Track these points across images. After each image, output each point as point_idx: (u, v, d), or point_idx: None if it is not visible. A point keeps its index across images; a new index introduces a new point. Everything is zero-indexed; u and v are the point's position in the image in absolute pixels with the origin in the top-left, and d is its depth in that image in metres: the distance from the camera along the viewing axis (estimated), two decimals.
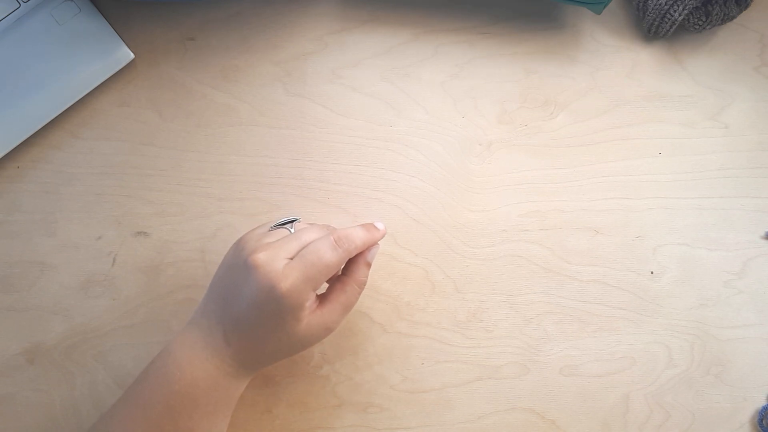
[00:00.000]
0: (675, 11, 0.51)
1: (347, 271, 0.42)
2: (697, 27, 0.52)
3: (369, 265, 0.43)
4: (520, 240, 0.51)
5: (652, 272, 0.51)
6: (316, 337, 0.41)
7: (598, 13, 0.52)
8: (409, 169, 0.52)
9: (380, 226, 0.44)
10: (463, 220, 0.51)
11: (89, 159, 0.50)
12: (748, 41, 0.55)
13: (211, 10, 0.53)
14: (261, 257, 0.38)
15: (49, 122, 0.49)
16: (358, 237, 0.41)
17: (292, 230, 0.42)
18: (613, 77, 0.54)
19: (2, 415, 0.47)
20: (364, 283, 0.42)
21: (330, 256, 0.39)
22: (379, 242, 0.43)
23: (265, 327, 0.39)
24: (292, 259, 0.39)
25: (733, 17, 0.53)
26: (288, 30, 0.53)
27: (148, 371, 0.40)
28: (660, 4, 0.51)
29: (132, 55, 0.51)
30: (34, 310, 0.49)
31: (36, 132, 0.49)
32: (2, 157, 0.49)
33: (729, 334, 0.50)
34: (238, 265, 0.40)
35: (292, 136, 0.52)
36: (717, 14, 0.52)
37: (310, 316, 0.40)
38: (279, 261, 0.38)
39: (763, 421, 0.49)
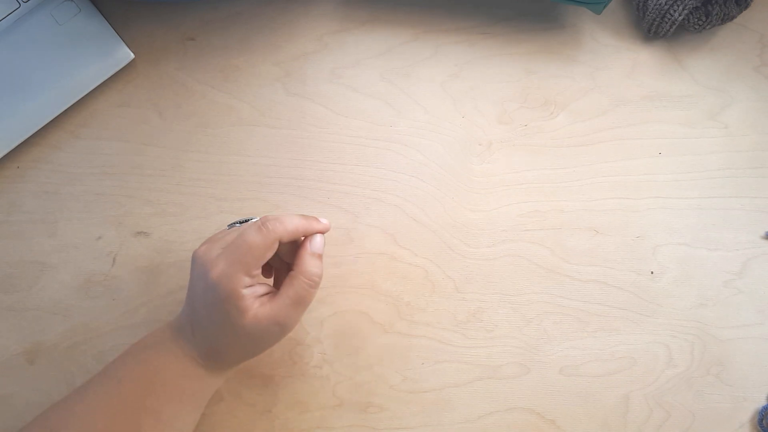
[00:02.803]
0: (675, 11, 0.51)
1: (295, 264, 0.42)
2: (697, 27, 0.52)
3: (317, 256, 0.42)
4: (520, 240, 0.51)
5: (652, 272, 0.51)
6: (268, 333, 0.40)
7: (598, 13, 0.52)
8: (409, 169, 0.52)
9: (324, 221, 0.44)
10: (463, 220, 0.51)
11: (89, 159, 0.50)
12: (748, 41, 0.55)
13: (211, 10, 0.53)
14: (200, 250, 0.41)
15: (49, 122, 0.49)
16: (289, 221, 0.40)
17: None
18: (613, 77, 0.54)
19: (2, 415, 0.47)
20: (316, 276, 0.41)
21: (253, 237, 0.39)
22: (322, 234, 0.43)
23: (212, 319, 0.39)
24: None
25: (733, 17, 0.53)
26: (288, 30, 0.53)
27: (129, 350, 0.42)
28: (660, 4, 0.51)
29: (132, 55, 0.51)
30: (34, 310, 0.49)
31: (36, 132, 0.49)
32: (2, 157, 0.49)
33: (729, 333, 0.50)
34: (192, 262, 0.42)
35: (292, 136, 0.52)
36: (717, 14, 0.52)
37: (258, 309, 0.39)
38: (214, 251, 0.40)
39: (763, 421, 0.49)
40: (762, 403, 0.49)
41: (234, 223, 0.44)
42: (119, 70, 0.51)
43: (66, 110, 0.50)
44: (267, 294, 0.40)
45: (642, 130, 0.53)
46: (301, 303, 0.41)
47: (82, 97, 0.50)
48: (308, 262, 0.41)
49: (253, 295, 0.39)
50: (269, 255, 0.40)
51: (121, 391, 0.39)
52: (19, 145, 0.49)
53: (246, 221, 0.43)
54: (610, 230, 0.52)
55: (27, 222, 0.50)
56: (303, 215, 0.42)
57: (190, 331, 0.41)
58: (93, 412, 0.39)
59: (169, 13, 0.53)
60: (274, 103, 0.52)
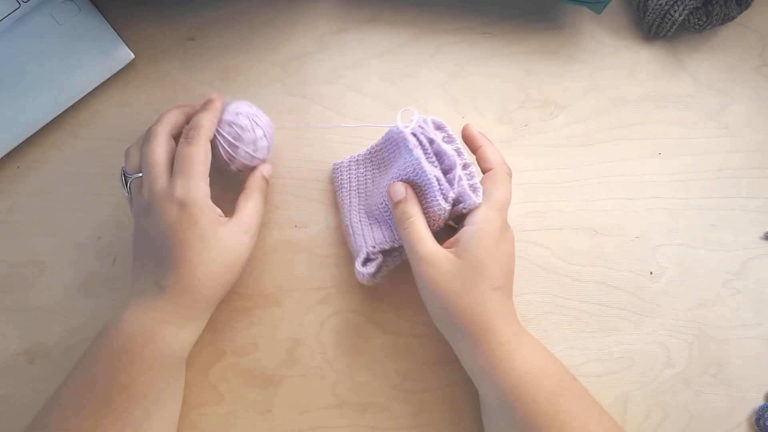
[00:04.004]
0: (675, 11, 0.51)
1: (246, 182, 0.47)
2: (697, 27, 0.52)
3: (264, 178, 0.47)
4: (520, 240, 0.51)
5: (651, 272, 0.51)
6: (239, 243, 0.43)
7: (599, 12, 0.52)
8: None
9: (214, 95, 0.46)
10: None
11: (89, 159, 0.50)
12: (748, 41, 0.55)
13: (211, 10, 0.53)
14: (144, 192, 0.42)
15: (49, 122, 0.49)
16: (204, 119, 0.43)
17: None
18: (613, 77, 0.54)
19: (2, 415, 0.47)
20: (263, 188, 0.47)
21: (186, 149, 0.42)
22: (267, 164, 0.48)
23: (184, 243, 0.41)
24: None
25: (734, 17, 0.53)
26: (288, 30, 0.53)
27: (95, 337, 0.42)
28: (660, 4, 0.51)
29: (132, 55, 0.50)
30: (34, 310, 0.49)
31: (36, 132, 0.49)
32: (2, 157, 0.49)
33: (727, 334, 0.51)
34: (139, 214, 0.43)
35: (292, 136, 0.52)
36: (717, 14, 0.52)
37: (226, 226, 0.43)
38: (159, 183, 0.42)
39: (761, 421, 0.49)
40: (759, 402, 0.50)
41: (127, 176, 0.44)
42: (119, 70, 0.51)
43: (66, 110, 0.50)
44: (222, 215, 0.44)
45: (642, 130, 0.53)
46: (256, 209, 0.45)
47: (82, 97, 0.50)
48: (258, 179, 0.47)
49: (215, 210, 0.42)
50: (209, 158, 0.43)
51: (87, 376, 0.40)
52: (19, 145, 0.49)
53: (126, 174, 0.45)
54: (609, 230, 0.52)
55: (27, 222, 0.50)
56: (204, 106, 0.45)
57: (155, 287, 0.41)
58: (64, 404, 0.40)
59: (169, 13, 0.52)
60: (274, 103, 0.52)
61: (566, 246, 0.51)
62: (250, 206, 0.45)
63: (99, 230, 0.50)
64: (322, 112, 0.52)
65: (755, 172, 0.53)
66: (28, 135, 0.49)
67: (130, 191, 0.44)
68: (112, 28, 0.50)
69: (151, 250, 0.42)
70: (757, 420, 0.49)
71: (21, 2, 0.49)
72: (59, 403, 0.40)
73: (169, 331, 0.41)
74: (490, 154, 0.45)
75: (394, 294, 0.50)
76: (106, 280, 0.49)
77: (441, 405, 0.48)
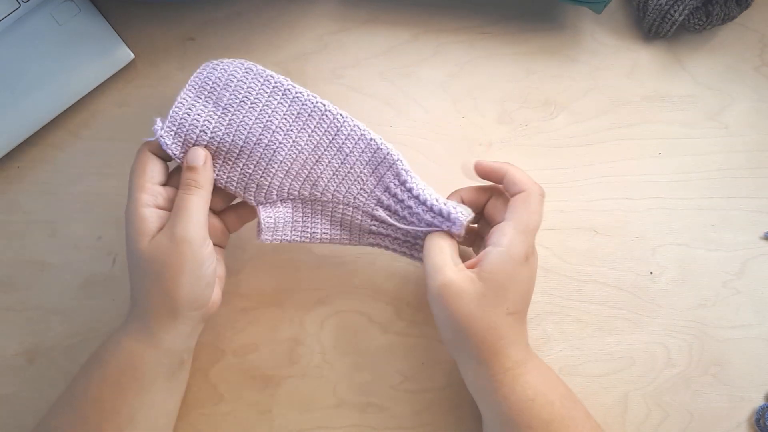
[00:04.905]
0: (675, 11, 0.51)
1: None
2: (697, 27, 0.52)
3: (188, 167, 0.42)
4: None
5: (651, 272, 0.51)
6: (170, 252, 0.39)
7: (599, 12, 0.52)
8: None
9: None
10: None
11: (89, 159, 0.50)
12: (748, 41, 0.55)
13: (211, 10, 0.53)
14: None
15: (49, 122, 0.49)
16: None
17: None
18: (613, 77, 0.54)
19: (2, 415, 0.47)
20: (193, 181, 0.41)
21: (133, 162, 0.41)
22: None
23: (129, 262, 0.40)
24: None
25: (734, 17, 0.53)
26: (288, 30, 0.53)
27: (86, 362, 0.42)
28: (660, 4, 0.51)
29: (132, 55, 0.50)
30: (34, 310, 0.49)
31: (36, 132, 0.49)
32: (2, 157, 0.49)
33: (727, 334, 0.51)
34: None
35: None
36: (717, 14, 0.52)
37: (162, 232, 0.39)
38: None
39: (761, 421, 0.49)
40: (759, 402, 0.50)
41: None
42: (119, 70, 0.51)
43: (66, 110, 0.50)
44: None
45: (642, 130, 0.53)
46: (183, 209, 0.40)
47: (82, 97, 0.50)
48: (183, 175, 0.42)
49: (153, 216, 0.40)
50: (150, 165, 0.41)
51: (79, 405, 0.40)
52: (19, 145, 0.49)
53: None
54: (609, 230, 0.52)
55: (27, 222, 0.50)
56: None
57: (132, 305, 0.41)
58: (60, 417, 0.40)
59: (169, 13, 0.52)
60: None
61: (566, 246, 0.51)
62: (177, 205, 0.40)
63: (99, 230, 0.50)
64: None
65: (755, 172, 0.53)
66: (28, 135, 0.49)
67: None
68: (112, 28, 0.50)
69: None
70: (757, 420, 0.49)
71: (21, 2, 0.49)
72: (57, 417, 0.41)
73: (144, 348, 0.40)
74: (519, 176, 0.42)
75: (394, 294, 0.50)
76: (106, 280, 0.49)
77: (441, 405, 0.48)
